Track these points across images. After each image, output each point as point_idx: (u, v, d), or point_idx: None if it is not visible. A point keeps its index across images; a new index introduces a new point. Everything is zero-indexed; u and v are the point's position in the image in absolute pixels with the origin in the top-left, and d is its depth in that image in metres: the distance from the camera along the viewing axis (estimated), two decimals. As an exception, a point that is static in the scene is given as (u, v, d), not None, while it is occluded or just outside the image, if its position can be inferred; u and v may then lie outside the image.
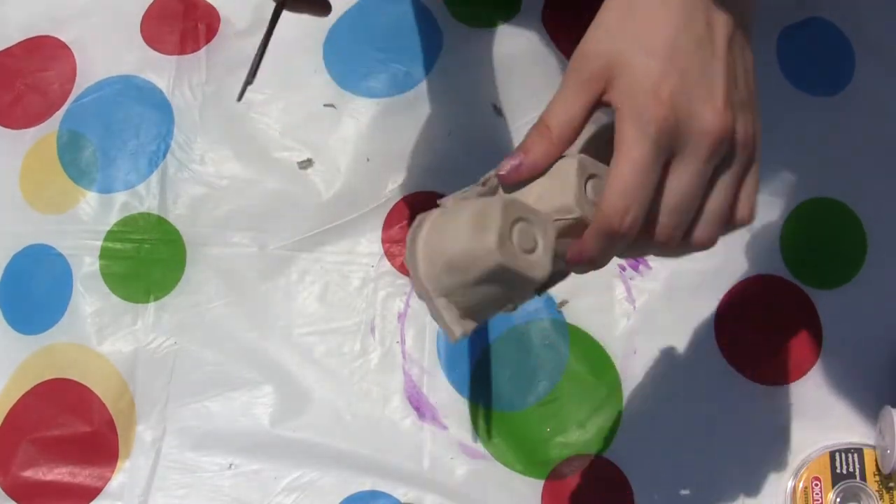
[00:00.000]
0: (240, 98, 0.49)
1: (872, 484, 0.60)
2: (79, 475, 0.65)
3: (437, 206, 0.42)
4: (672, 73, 0.36)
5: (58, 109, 0.73)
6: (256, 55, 0.51)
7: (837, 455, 0.60)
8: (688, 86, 0.37)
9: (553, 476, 0.62)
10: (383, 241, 0.67)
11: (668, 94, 0.36)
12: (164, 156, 0.70)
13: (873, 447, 0.61)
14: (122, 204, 0.70)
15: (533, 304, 0.65)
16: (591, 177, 0.39)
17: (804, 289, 0.64)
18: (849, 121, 0.67)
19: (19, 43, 0.76)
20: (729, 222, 0.40)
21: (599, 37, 0.38)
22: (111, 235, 0.69)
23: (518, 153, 0.39)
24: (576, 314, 0.64)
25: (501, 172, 0.40)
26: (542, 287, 0.40)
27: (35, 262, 0.70)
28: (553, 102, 0.39)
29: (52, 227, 0.70)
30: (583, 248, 0.38)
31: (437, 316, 0.38)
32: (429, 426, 0.63)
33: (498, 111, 0.69)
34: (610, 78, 0.37)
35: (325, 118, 0.70)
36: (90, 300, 0.68)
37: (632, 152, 0.36)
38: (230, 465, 0.64)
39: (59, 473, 0.65)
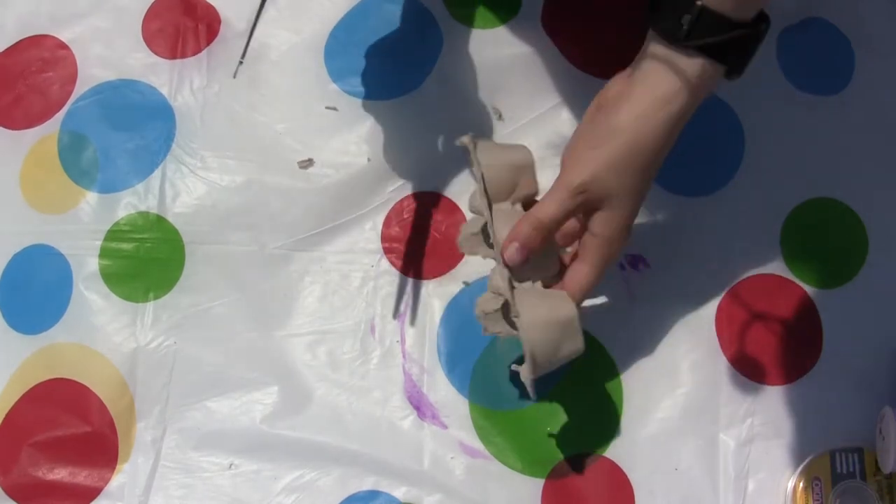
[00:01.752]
0: (235, 75, 0.54)
1: (872, 484, 0.60)
2: (79, 475, 0.65)
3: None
4: (639, 204, 0.52)
5: (58, 110, 0.73)
6: (250, 30, 0.56)
7: (837, 455, 0.60)
8: (636, 214, 0.52)
9: (553, 475, 0.62)
10: (383, 241, 0.67)
11: (629, 229, 0.52)
12: (165, 156, 0.70)
13: (873, 447, 0.60)
14: (122, 204, 0.70)
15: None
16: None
17: (804, 288, 0.64)
18: (849, 121, 0.67)
19: (20, 43, 0.76)
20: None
21: (608, 179, 0.49)
22: (111, 235, 0.69)
23: (522, 248, 0.51)
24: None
25: (508, 257, 0.51)
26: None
27: (35, 262, 0.70)
28: (552, 208, 0.50)
29: (52, 228, 0.70)
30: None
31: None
32: (429, 425, 0.63)
33: (497, 113, 0.69)
34: (600, 204, 0.50)
35: (326, 119, 0.70)
36: (90, 300, 0.68)
37: (596, 268, 0.52)
38: (230, 465, 0.64)
39: (59, 473, 0.65)
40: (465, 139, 0.55)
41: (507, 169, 0.55)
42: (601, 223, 0.51)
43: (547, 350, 0.51)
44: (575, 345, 0.52)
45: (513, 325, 0.53)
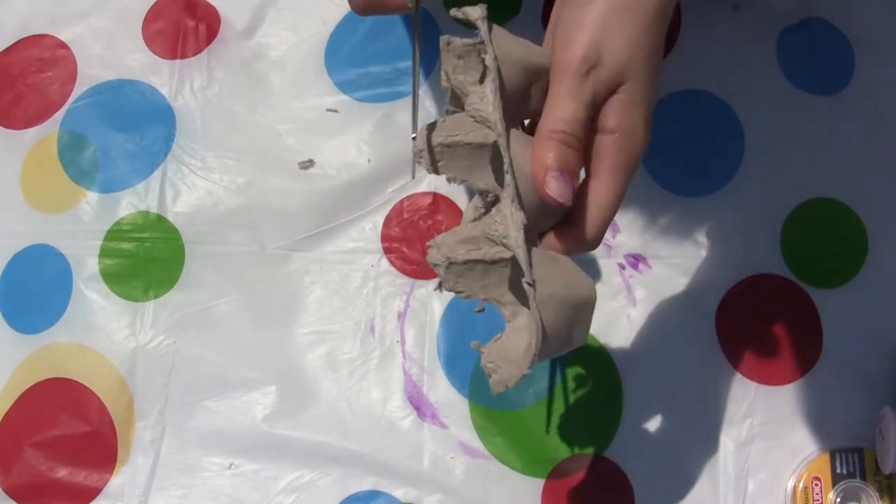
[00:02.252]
0: (413, 175, 0.44)
1: (872, 484, 0.60)
2: (78, 475, 0.65)
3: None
4: (654, 92, 0.39)
5: (58, 110, 0.73)
6: (413, 109, 0.42)
7: (837, 455, 0.60)
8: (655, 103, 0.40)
9: (553, 475, 0.62)
10: (383, 241, 0.67)
11: (651, 120, 0.39)
12: (165, 156, 0.70)
13: (873, 447, 0.60)
14: (122, 203, 0.70)
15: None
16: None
17: (804, 288, 0.64)
18: (849, 121, 0.67)
19: (19, 43, 0.76)
20: None
21: (617, 44, 0.38)
22: (111, 235, 0.69)
23: (566, 175, 0.38)
24: (576, 314, 0.64)
25: (563, 202, 0.38)
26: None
27: (35, 261, 0.70)
28: (568, 106, 0.38)
29: (52, 227, 0.70)
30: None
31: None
32: (429, 425, 0.63)
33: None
34: (618, 87, 0.38)
35: (326, 121, 0.70)
36: (90, 299, 0.68)
37: (619, 178, 0.39)
38: (230, 465, 0.64)
39: (58, 473, 0.65)
40: (475, 12, 0.40)
41: (523, 69, 0.40)
42: (619, 111, 0.39)
43: (555, 338, 0.38)
44: (580, 336, 0.40)
45: (483, 285, 0.39)
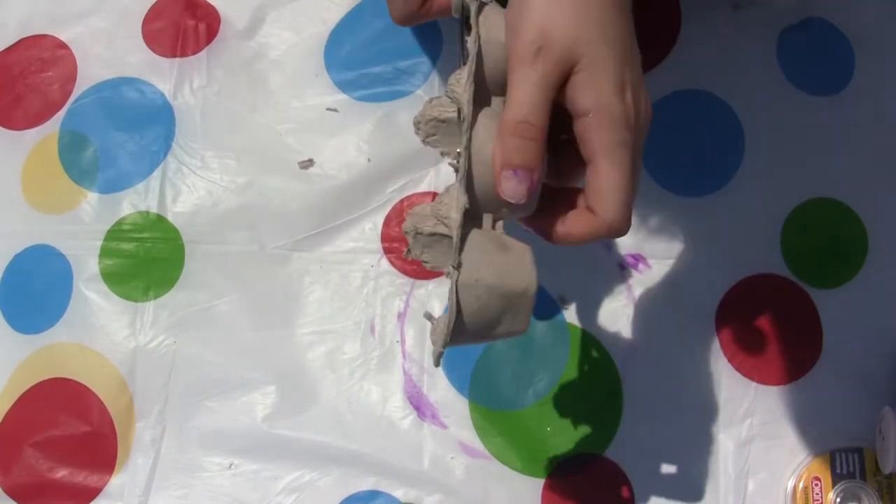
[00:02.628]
0: (437, 363, 0.41)
1: (872, 484, 0.60)
2: (78, 475, 0.65)
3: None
4: (627, 67, 0.38)
5: (58, 110, 0.73)
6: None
7: (837, 455, 0.60)
8: (636, 76, 0.38)
9: (553, 475, 0.62)
10: (383, 241, 0.67)
11: (629, 92, 0.38)
12: (165, 156, 0.70)
13: (873, 447, 0.60)
14: (122, 204, 0.70)
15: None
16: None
17: (804, 288, 0.64)
18: (849, 121, 0.67)
19: (20, 43, 0.76)
20: None
21: (560, 22, 0.37)
22: (111, 235, 0.69)
23: (521, 173, 0.38)
24: (576, 313, 0.64)
25: (516, 202, 0.38)
26: None
27: (36, 262, 0.70)
28: (521, 94, 0.38)
29: (53, 228, 0.70)
30: (571, 239, 0.40)
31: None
32: (429, 425, 0.63)
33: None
34: (573, 67, 0.37)
35: (326, 121, 0.70)
36: (90, 299, 0.68)
37: (616, 160, 0.38)
38: (230, 465, 0.64)
39: (58, 473, 0.65)
40: None
41: (501, 46, 0.40)
42: (583, 90, 0.37)
43: (476, 321, 0.39)
44: (517, 325, 0.40)
45: (448, 259, 0.39)
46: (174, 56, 0.73)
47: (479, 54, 0.39)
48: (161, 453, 0.65)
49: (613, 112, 0.37)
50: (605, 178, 0.38)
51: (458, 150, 0.39)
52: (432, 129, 0.41)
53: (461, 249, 0.38)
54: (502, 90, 0.40)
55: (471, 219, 0.39)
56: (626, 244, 0.65)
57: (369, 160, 0.69)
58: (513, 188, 0.38)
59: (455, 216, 0.38)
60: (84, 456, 0.65)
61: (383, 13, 0.72)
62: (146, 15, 0.75)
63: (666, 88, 0.67)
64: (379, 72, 0.70)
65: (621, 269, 0.65)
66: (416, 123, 0.41)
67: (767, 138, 0.67)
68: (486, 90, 0.40)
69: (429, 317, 0.41)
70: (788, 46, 0.68)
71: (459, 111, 0.40)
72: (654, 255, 0.65)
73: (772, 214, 0.66)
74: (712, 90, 0.67)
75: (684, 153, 0.67)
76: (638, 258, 0.65)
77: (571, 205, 0.41)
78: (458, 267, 0.38)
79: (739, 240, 0.65)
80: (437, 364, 0.40)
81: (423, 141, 0.41)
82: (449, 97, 0.40)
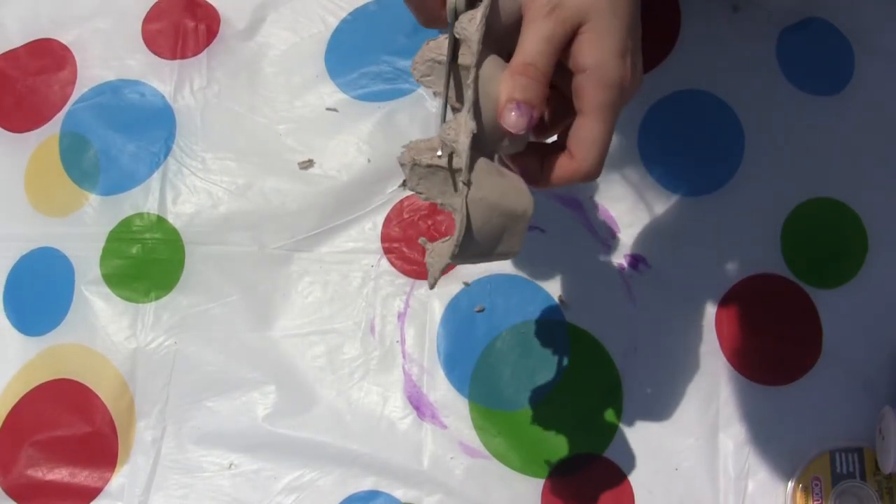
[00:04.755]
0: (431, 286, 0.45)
1: (872, 484, 0.60)
2: (79, 475, 0.65)
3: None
4: (629, 36, 0.42)
5: (59, 112, 0.73)
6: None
7: (837, 455, 0.60)
8: (635, 45, 0.43)
9: (553, 475, 0.62)
10: (383, 241, 0.67)
11: (629, 58, 0.42)
12: (166, 157, 0.71)
13: (873, 447, 0.60)
14: (123, 205, 0.70)
15: (533, 304, 0.65)
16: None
17: (804, 288, 0.64)
18: (849, 121, 0.67)
19: (20, 46, 0.76)
20: None
21: None
22: (113, 236, 0.69)
23: (524, 107, 0.41)
24: (576, 313, 0.64)
25: (516, 132, 0.42)
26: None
27: (39, 265, 0.70)
28: (532, 43, 0.42)
29: (56, 230, 0.70)
30: (552, 179, 0.45)
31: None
32: (429, 425, 0.63)
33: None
34: (580, 27, 0.42)
35: (326, 121, 0.70)
36: (92, 301, 0.68)
37: (598, 113, 0.42)
38: (230, 465, 0.64)
39: (59, 473, 0.65)
40: None
41: (520, 7, 0.43)
42: (587, 49, 0.42)
43: (482, 239, 0.42)
44: (511, 245, 0.44)
45: (442, 190, 0.43)
46: (174, 58, 0.73)
47: (494, 2, 0.42)
48: (161, 453, 0.65)
49: (610, 72, 0.42)
50: (590, 130, 0.43)
51: (436, 88, 0.43)
52: (428, 70, 0.44)
53: (471, 168, 0.41)
54: (504, 36, 0.43)
55: (475, 146, 0.42)
56: (626, 244, 0.65)
57: (369, 160, 0.69)
58: (514, 120, 0.41)
59: (464, 139, 0.41)
60: (84, 456, 0.65)
61: (383, 13, 0.72)
62: (146, 16, 0.75)
63: (666, 88, 0.67)
64: (379, 71, 0.71)
65: (621, 270, 0.65)
66: (414, 64, 0.44)
67: (767, 138, 0.67)
68: (494, 36, 0.43)
69: (424, 242, 0.44)
70: (788, 46, 0.68)
71: (454, 50, 0.43)
72: (654, 255, 0.65)
73: (772, 214, 0.66)
74: (712, 90, 0.67)
75: (684, 153, 0.67)
76: (638, 258, 0.65)
77: (552, 150, 0.45)
78: (468, 184, 0.41)
79: (739, 240, 0.65)
80: (437, 277, 0.44)
81: (418, 80, 0.44)
82: (457, 35, 0.42)
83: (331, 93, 0.71)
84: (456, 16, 0.43)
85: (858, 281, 0.64)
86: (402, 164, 0.43)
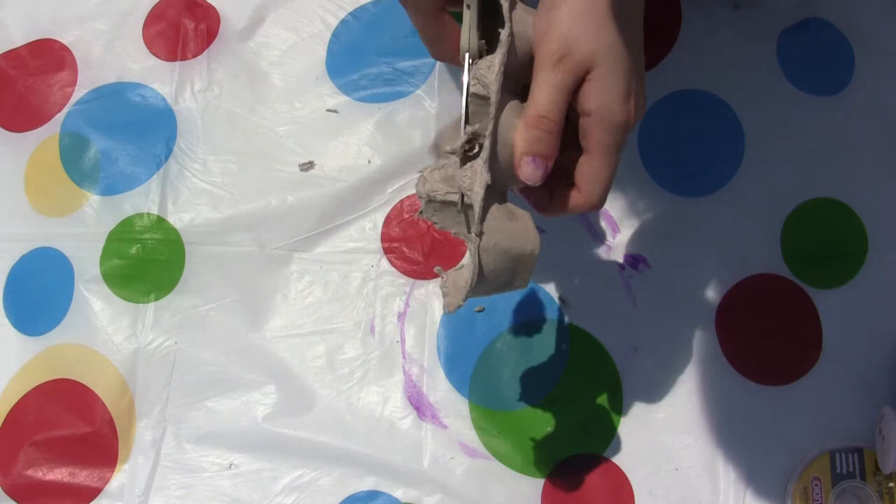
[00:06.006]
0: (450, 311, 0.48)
1: (872, 484, 0.60)
2: (79, 475, 0.65)
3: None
4: (633, 77, 0.45)
5: (59, 112, 0.73)
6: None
7: (837, 455, 0.60)
8: (638, 84, 0.45)
9: (553, 475, 0.62)
10: (383, 241, 0.67)
11: (633, 100, 0.44)
12: (166, 158, 0.71)
13: (873, 447, 0.60)
14: (123, 206, 0.70)
15: (534, 304, 0.65)
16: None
17: (804, 288, 0.64)
18: (849, 121, 0.67)
19: (21, 46, 0.76)
20: None
21: (580, 38, 0.44)
22: (113, 236, 0.69)
23: (539, 160, 0.44)
24: (576, 314, 0.64)
25: (532, 184, 0.45)
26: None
27: (39, 265, 0.70)
28: (543, 94, 0.44)
29: (56, 230, 0.70)
30: (559, 211, 0.48)
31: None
32: (429, 425, 0.63)
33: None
34: (588, 72, 0.44)
35: (327, 122, 0.70)
36: (91, 301, 0.68)
37: (603, 154, 0.45)
38: (230, 465, 0.64)
39: (59, 473, 0.65)
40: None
41: (526, 41, 0.45)
42: (592, 95, 0.44)
43: (493, 279, 0.45)
44: (520, 282, 0.47)
45: (457, 221, 0.46)
46: (174, 60, 0.73)
47: (511, 46, 0.44)
48: (161, 453, 0.65)
49: (615, 116, 0.44)
50: (596, 169, 0.45)
51: (486, 132, 0.44)
52: (432, 212, 0.46)
53: (483, 219, 0.44)
54: (518, 76, 0.45)
55: (489, 193, 0.44)
56: (626, 244, 0.66)
57: (369, 161, 0.69)
58: (531, 172, 0.44)
59: (478, 190, 0.44)
60: (85, 456, 0.65)
61: (383, 14, 0.72)
62: (146, 17, 0.75)
63: (666, 88, 0.67)
64: (379, 73, 0.71)
65: (621, 270, 0.65)
66: (419, 195, 0.46)
67: (767, 138, 0.67)
68: (510, 77, 0.45)
69: (439, 270, 0.47)
70: (788, 46, 0.68)
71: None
72: (654, 255, 0.65)
73: (772, 214, 0.66)
74: (712, 90, 0.67)
75: (684, 153, 0.67)
76: (638, 258, 0.65)
77: (561, 181, 0.47)
78: (479, 235, 0.44)
79: (739, 240, 0.65)
80: (452, 311, 0.46)
81: (427, 219, 0.47)
82: (477, 79, 0.45)
83: (331, 94, 0.71)
84: (470, 59, 0.46)
85: (858, 281, 0.64)
86: (419, 196, 0.46)
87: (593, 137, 0.44)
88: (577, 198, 0.46)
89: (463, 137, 0.45)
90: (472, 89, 0.45)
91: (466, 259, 0.45)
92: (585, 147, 0.45)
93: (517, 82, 0.46)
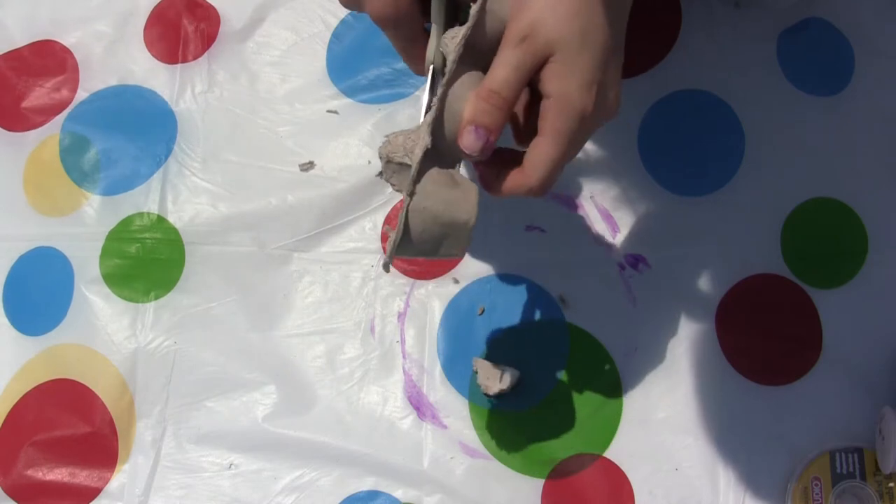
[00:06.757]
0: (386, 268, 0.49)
1: (872, 484, 0.60)
2: (79, 475, 0.65)
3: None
4: (601, 69, 0.44)
5: (59, 112, 0.74)
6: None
7: (837, 455, 0.60)
8: (609, 77, 0.45)
9: (553, 475, 0.62)
10: (383, 241, 0.67)
11: (595, 89, 0.44)
12: (166, 159, 0.71)
13: (873, 447, 0.60)
14: (123, 205, 0.70)
15: (533, 304, 0.65)
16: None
17: (804, 288, 0.64)
18: (849, 121, 0.67)
19: (22, 47, 0.76)
20: None
21: (549, 21, 0.43)
22: (113, 236, 0.69)
23: (481, 132, 0.44)
24: (576, 314, 0.64)
25: (470, 153, 0.44)
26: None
27: (39, 264, 0.70)
28: (500, 71, 0.44)
29: (55, 230, 0.70)
30: (501, 189, 0.47)
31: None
32: (429, 425, 0.63)
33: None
34: (549, 57, 0.44)
35: (327, 123, 0.70)
36: (91, 301, 0.68)
37: (556, 137, 0.44)
38: (230, 465, 0.64)
39: (59, 474, 0.65)
40: None
41: (500, 22, 0.45)
42: (552, 78, 0.44)
43: (422, 242, 0.46)
44: (456, 249, 0.47)
45: (405, 181, 0.46)
46: (175, 62, 0.74)
47: (479, 20, 0.44)
48: (161, 453, 0.65)
49: (573, 102, 0.44)
50: (543, 150, 0.44)
51: (435, 98, 0.45)
52: (391, 173, 0.47)
53: (417, 181, 0.44)
54: (487, 56, 0.45)
55: (431, 157, 0.45)
56: (626, 244, 0.65)
57: (369, 162, 0.69)
58: (472, 142, 0.44)
59: (417, 153, 0.44)
60: (85, 456, 0.65)
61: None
62: (147, 19, 0.75)
63: (666, 88, 0.67)
64: (378, 73, 0.71)
65: (621, 270, 0.65)
66: (380, 156, 0.47)
67: (767, 138, 0.67)
68: (477, 52, 0.45)
69: (388, 230, 0.48)
70: (788, 46, 0.68)
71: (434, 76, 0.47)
72: (654, 255, 0.65)
73: (772, 214, 0.66)
74: (712, 90, 0.67)
75: (684, 153, 0.67)
76: (638, 258, 0.65)
77: (511, 162, 0.47)
78: (411, 195, 0.44)
79: (739, 240, 0.65)
80: (386, 270, 0.48)
81: (386, 181, 0.48)
82: (441, 49, 0.46)
83: (331, 95, 0.71)
84: (434, 75, 0.47)
85: (858, 281, 0.64)
86: (380, 157, 0.47)
87: (547, 119, 0.44)
88: (517, 177, 0.46)
89: (429, 114, 0.45)
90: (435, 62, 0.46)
91: None
92: (539, 128, 0.45)
93: (485, 60, 0.46)
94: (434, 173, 0.45)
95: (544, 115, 0.44)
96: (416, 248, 0.46)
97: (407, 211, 0.45)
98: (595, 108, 0.44)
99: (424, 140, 0.44)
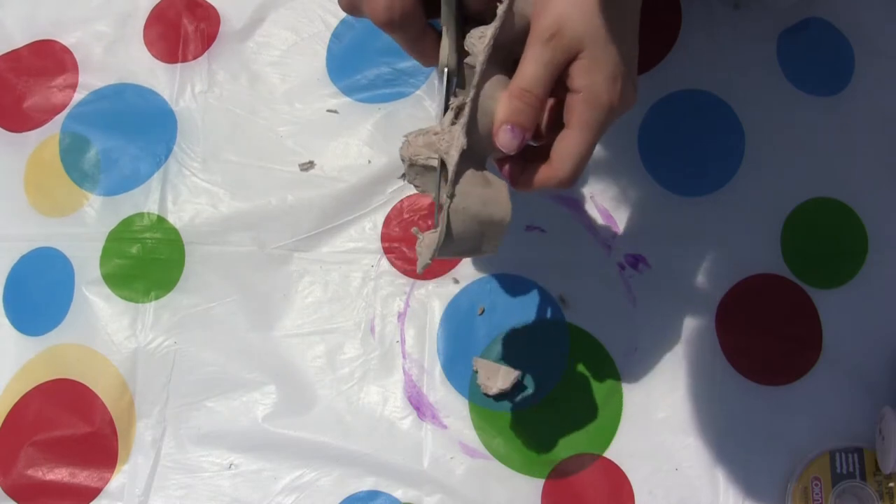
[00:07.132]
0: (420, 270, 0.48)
1: (872, 484, 0.60)
2: (79, 475, 0.65)
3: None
4: (623, 62, 0.45)
5: (59, 112, 0.73)
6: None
7: (837, 455, 0.60)
8: (628, 69, 0.46)
9: (553, 475, 0.62)
10: (383, 241, 0.67)
11: (619, 83, 0.45)
12: (166, 159, 0.71)
13: (873, 447, 0.60)
14: (123, 205, 0.70)
15: (533, 304, 0.65)
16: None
17: (804, 288, 0.64)
18: (849, 121, 0.67)
19: (22, 46, 0.76)
20: None
21: (575, 17, 0.44)
22: (113, 236, 0.69)
23: (517, 130, 0.45)
24: (576, 314, 0.64)
25: (507, 152, 0.45)
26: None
27: (39, 264, 0.70)
28: (531, 68, 0.45)
29: (56, 230, 0.70)
30: (529, 183, 0.48)
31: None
32: (429, 425, 0.63)
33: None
34: (578, 53, 0.44)
35: (327, 123, 0.70)
36: (91, 301, 0.68)
37: (584, 131, 0.45)
38: (230, 465, 0.64)
39: (59, 474, 0.65)
40: None
41: (523, 18, 0.46)
42: (581, 73, 0.45)
43: (462, 241, 0.46)
44: (490, 247, 0.48)
45: (437, 185, 0.47)
46: (175, 62, 0.73)
47: (506, 20, 0.45)
48: (161, 453, 0.65)
49: (601, 95, 0.45)
50: (572, 143, 0.45)
51: (468, 99, 0.45)
52: (414, 175, 0.47)
53: (456, 182, 0.45)
54: (511, 50, 0.46)
55: (465, 158, 0.45)
56: (626, 244, 0.65)
57: (369, 161, 0.69)
58: (508, 140, 0.45)
59: (454, 154, 0.45)
60: (85, 456, 0.65)
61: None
62: (147, 19, 0.75)
63: (666, 88, 0.67)
64: (379, 73, 0.71)
65: (621, 270, 0.65)
66: (402, 158, 0.47)
67: (767, 138, 0.67)
68: (501, 50, 0.45)
69: (416, 231, 0.48)
70: (788, 46, 0.68)
71: (448, 87, 0.47)
72: (654, 255, 0.65)
73: (772, 214, 0.66)
74: (712, 90, 0.67)
75: (684, 153, 0.67)
76: (638, 258, 0.65)
77: (537, 159, 0.48)
78: (451, 196, 0.45)
79: (739, 240, 0.65)
80: (420, 272, 0.48)
81: (410, 182, 0.48)
82: (466, 48, 0.45)
83: (331, 95, 0.71)
84: (448, 77, 0.47)
85: (858, 281, 0.64)
86: (402, 159, 0.47)
87: (575, 112, 0.45)
88: (546, 171, 0.47)
89: (450, 114, 0.45)
90: (465, 60, 0.46)
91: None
92: (567, 122, 0.46)
93: (507, 56, 0.46)
94: (469, 175, 0.46)
95: (572, 108, 0.45)
96: (455, 249, 0.47)
97: (448, 213, 0.45)
98: (620, 100, 0.45)
99: (460, 141, 0.45)
